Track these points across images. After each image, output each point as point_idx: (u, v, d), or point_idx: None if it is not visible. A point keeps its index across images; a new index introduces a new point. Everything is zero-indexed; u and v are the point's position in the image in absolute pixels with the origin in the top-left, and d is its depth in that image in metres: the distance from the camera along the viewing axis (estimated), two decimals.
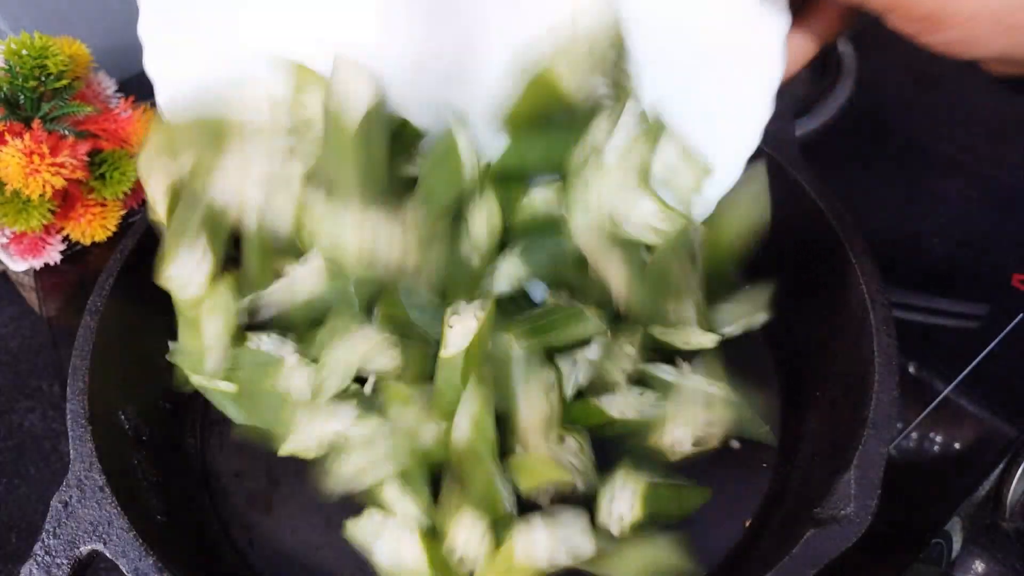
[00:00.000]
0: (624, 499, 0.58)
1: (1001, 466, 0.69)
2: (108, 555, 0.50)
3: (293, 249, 0.57)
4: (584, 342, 0.61)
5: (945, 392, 0.70)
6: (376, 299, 0.58)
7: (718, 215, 0.58)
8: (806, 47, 0.52)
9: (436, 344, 0.56)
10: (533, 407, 0.56)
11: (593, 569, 0.54)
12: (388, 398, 0.57)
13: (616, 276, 0.56)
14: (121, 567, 0.50)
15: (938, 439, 0.68)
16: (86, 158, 0.74)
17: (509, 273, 0.59)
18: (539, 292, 0.62)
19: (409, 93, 0.55)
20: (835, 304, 0.63)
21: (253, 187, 0.53)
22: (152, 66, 0.54)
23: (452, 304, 0.56)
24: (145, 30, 0.54)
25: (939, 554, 0.71)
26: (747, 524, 0.61)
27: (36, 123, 0.73)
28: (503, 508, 0.55)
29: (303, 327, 0.60)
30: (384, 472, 0.56)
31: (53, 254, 0.81)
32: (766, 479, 0.62)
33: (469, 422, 0.54)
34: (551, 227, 0.58)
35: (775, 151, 0.69)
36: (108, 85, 0.81)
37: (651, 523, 0.57)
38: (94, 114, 0.76)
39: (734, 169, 0.57)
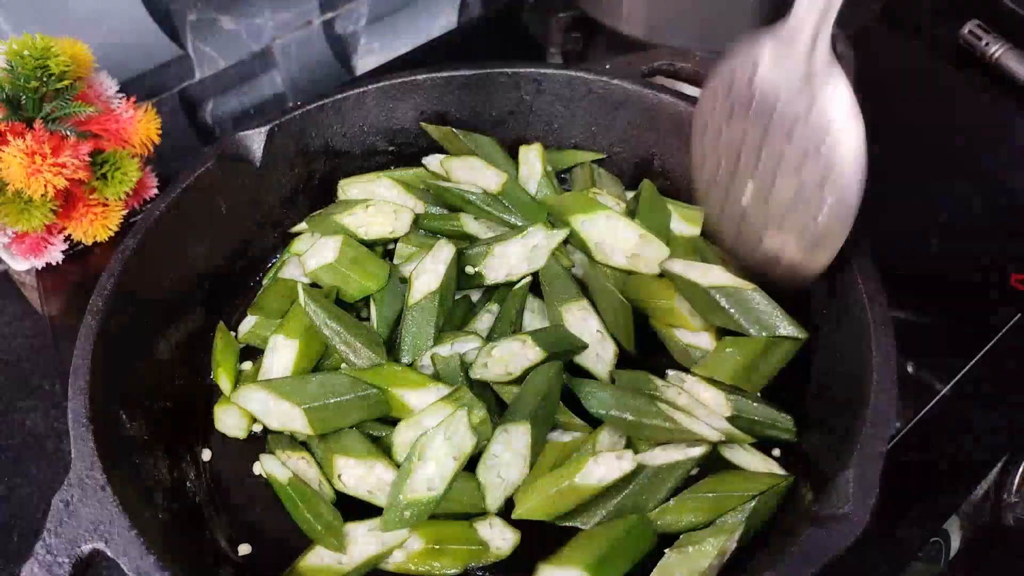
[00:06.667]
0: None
1: (999, 465, 0.69)
2: (109, 554, 0.50)
3: None
4: None
5: (943, 391, 0.70)
6: None
7: None
8: None
9: None
10: None
11: None
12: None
13: None
14: (122, 566, 0.50)
15: (936, 438, 0.68)
16: (88, 158, 0.74)
17: None
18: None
19: None
20: (834, 304, 0.63)
21: None
22: None
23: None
24: None
25: (937, 552, 0.71)
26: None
27: (38, 123, 0.73)
28: None
29: None
30: None
31: (55, 254, 0.81)
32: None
33: None
34: None
35: None
36: (110, 86, 0.81)
37: None
38: (96, 114, 0.76)
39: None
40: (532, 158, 0.78)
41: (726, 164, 0.61)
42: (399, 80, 0.78)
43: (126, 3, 0.88)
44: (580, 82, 0.78)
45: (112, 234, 0.81)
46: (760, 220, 0.60)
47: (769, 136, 0.56)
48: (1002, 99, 0.97)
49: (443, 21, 1.18)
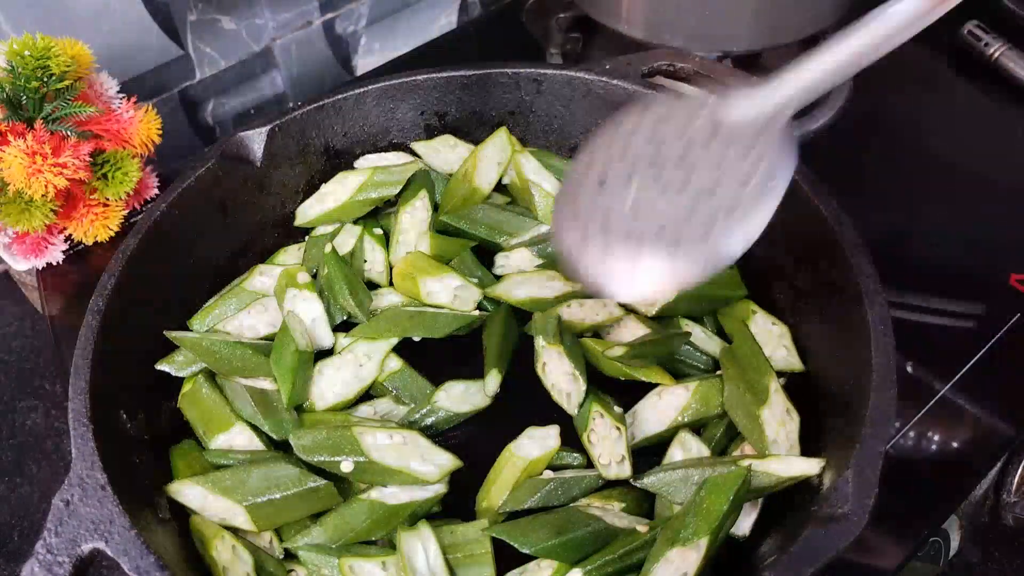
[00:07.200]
0: None
1: (998, 465, 0.69)
2: (110, 553, 0.50)
3: None
4: None
5: (943, 391, 0.70)
6: None
7: None
8: None
9: None
10: None
11: None
12: None
13: None
14: (122, 565, 0.50)
15: (936, 438, 0.68)
16: (88, 158, 0.74)
17: None
18: None
19: None
20: (833, 304, 0.63)
21: None
22: None
23: None
24: None
25: (937, 552, 0.71)
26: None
27: (39, 123, 0.73)
28: None
29: None
30: None
31: (55, 254, 0.81)
32: None
33: None
34: None
35: None
36: (110, 86, 0.81)
37: None
38: (96, 114, 0.76)
39: None
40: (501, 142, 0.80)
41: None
42: (399, 80, 0.78)
43: (126, 3, 0.88)
44: (580, 82, 0.78)
45: (113, 234, 0.81)
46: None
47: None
48: (1002, 99, 0.97)
49: (443, 21, 1.18)
